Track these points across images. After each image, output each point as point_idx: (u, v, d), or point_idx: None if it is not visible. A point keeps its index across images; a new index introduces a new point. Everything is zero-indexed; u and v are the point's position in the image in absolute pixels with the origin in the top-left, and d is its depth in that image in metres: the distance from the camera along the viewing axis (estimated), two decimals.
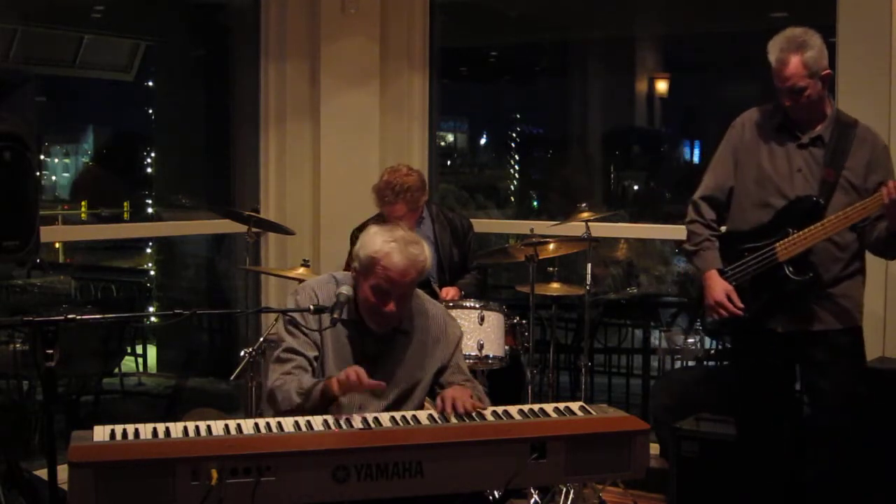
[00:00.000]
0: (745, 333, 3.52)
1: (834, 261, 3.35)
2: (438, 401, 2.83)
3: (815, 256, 3.31)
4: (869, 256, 3.47)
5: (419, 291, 3.08)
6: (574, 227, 4.46)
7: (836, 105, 3.45)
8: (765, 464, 3.58)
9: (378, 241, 2.87)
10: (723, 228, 3.61)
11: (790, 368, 3.47)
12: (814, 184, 3.33)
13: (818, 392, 3.42)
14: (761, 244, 3.37)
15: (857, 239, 3.38)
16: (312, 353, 2.91)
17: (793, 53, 3.26)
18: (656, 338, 6.25)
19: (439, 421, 2.66)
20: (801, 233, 3.27)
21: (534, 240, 4.25)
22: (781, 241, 3.32)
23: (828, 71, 3.32)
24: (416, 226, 4.44)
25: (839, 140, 3.32)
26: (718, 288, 3.41)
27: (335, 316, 2.76)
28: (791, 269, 3.30)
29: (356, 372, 2.68)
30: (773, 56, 3.30)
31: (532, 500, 4.12)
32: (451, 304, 4.12)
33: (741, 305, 3.38)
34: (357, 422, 2.61)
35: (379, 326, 2.90)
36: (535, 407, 2.79)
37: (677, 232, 4.38)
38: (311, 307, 2.78)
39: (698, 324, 3.96)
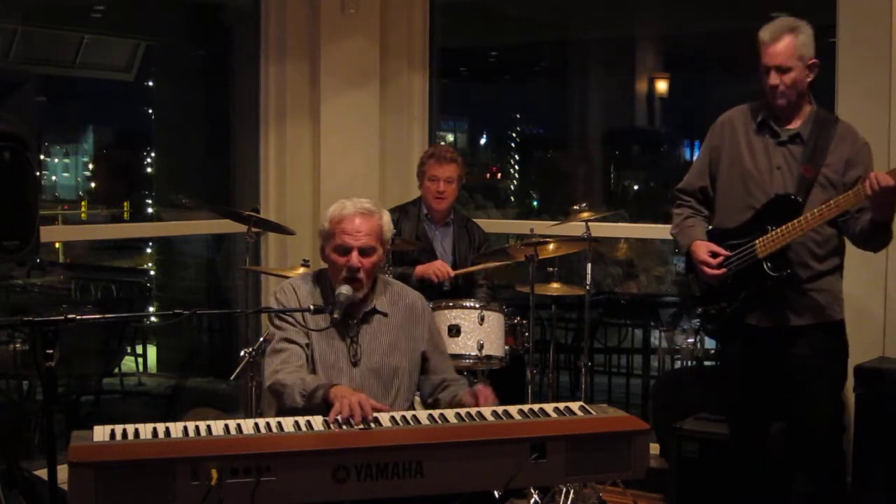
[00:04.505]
0: (729, 330, 3.55)
1: (812, 256, 3.39)
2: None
3: (793, 252, 3.35)
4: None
5: (396, 282, 3.24)
6: (574, 227, 4.46)
7: (815, 104, 3.48)
8: (757, 463, 3.59)
9: (331, 208, 3.08)
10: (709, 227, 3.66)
11: (775, 366, 3.48)
12: (792, 181, 3.37)
13: (801, 390, 3.43)
14: (742, 241, 3.41)
15: (837, 234, 3.42)
16: (304, 341, 3.00)
17: (785, 34, 3.34)
18: (656, 338, 6.25)
19: (439, 421, 2.67)
20: (778, 230, 3.31)
21: (534, 240, 4.25)
22: (760, 239, 3.35)
23: (814, 60, 3.38)
24: (442, 226, 4.61)
25: (819, 137, 3.37)
26: (702, 249, 3.47)
27: (335, 316, 2.80)
28: (769, 265, 3.34)
29: (360, 403, 2.64)
30: (765, 35, 3.37)
31: (532, 500, 4.12)
32: (451, 305, 4.12)
33: (724, 253, 3.42)
34: (357, 422, 2.61)
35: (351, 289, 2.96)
36: (535, 407, 2.79)
37: None
38: (311, 307, 2.80)
39: (696, 322, 3.98)
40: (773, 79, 3.34)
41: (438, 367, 3.15)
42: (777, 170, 3.40)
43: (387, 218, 3.10)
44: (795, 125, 3.42)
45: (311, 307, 2.80)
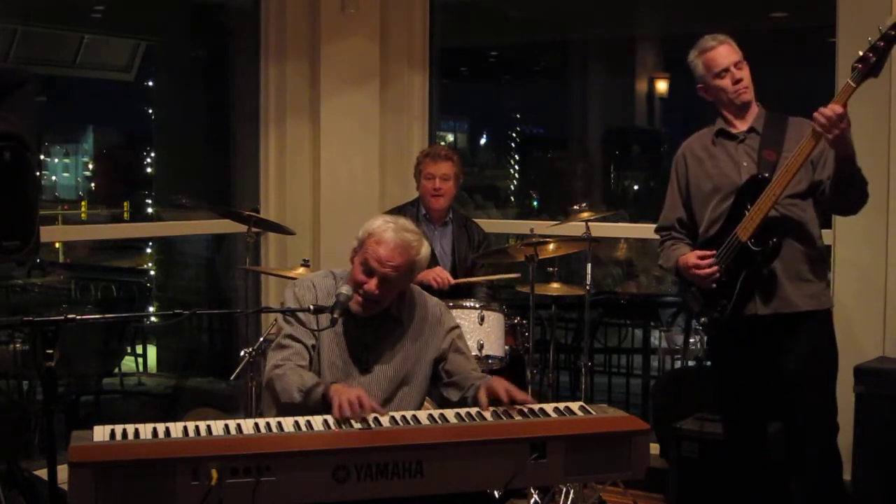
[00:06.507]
0: (727, 326, 3.52)
1: (797, 240, 3.39)
2: (503, 392, 2.77)
3: (776, 233, 3.35)
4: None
5: (416, 287, 3.11)
6: (574, 227, 4.46)
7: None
8: (756, 464, 3.59)
9: (379, 220, 2.95)
10: None
11: (771, 365, 3.47)
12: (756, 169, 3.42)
13: (796, 390, 3.43)
14: (727, 238, 3.41)
15: (816, 214, 3.44)
16: (311, 342, 2.94)
17: (724, 41, 3.45)
18: (656, 338, 6.25)
19: (439, 421, 2.67)
20: (753, 207, 3.32)
21: (534, 240, 4.25)
22: (739, 224, 3.36)
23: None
24: (440, 225, 4.59)
25: (773, 127, 3.43)
26: (690, 257, 3.48)
27: (335, 315, 2.76)
28: (753, 241, 3.34)
29: (358, 399, 2.64)
30: (700, 54, 3.47)
31: (532, 500, 4.12)
32: (451, 305, 4.12)
33: (710, 253, 3.42)
34: (357, 422, 2.61)
35: (359, 306, 2.89)
36: (535, 407, 2.79)
37: None
38: (311, 307, 2.77)
39: (696, 324, 3.99)
40: (737, 73, 3.42)
41: (460, 367, 3.03)
42: (744, 165, 3.44)
43: (425, 252, 2.95)
44: (748, 122, 3.48)
45: (311, 307, 2.78)
